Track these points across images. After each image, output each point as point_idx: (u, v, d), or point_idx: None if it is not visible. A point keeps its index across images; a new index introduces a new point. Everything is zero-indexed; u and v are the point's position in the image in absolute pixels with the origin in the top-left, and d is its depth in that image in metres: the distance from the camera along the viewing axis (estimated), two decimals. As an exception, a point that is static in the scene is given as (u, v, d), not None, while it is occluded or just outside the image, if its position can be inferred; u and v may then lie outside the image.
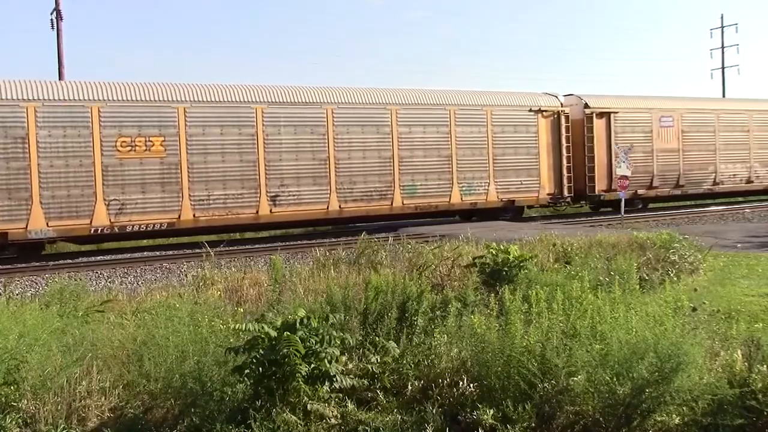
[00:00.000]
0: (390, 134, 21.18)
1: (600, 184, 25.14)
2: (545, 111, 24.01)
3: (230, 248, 17.55)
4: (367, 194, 20.87)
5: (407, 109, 21.56)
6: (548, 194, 24.06)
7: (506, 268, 9.45)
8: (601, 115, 25.17)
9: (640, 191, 26.07)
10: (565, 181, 24.29)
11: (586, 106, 25.01)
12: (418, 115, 21.76)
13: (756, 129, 29.26)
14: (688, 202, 29.09)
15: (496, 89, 25.31)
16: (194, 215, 18.49)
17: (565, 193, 24.38)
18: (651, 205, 27.58)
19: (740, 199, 30.28)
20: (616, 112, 25.45)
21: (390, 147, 21.18)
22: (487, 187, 22.81)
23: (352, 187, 20.65)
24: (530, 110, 23.72)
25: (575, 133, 24.75)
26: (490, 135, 22.87)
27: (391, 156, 21.19)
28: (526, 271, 9.43)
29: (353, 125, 20.69)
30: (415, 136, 21.66)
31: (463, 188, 22.36)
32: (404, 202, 21.37)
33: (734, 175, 28.56)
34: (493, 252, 9.79)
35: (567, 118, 24.41)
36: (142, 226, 17.88)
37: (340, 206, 20.41)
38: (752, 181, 29.18)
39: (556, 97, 24.78)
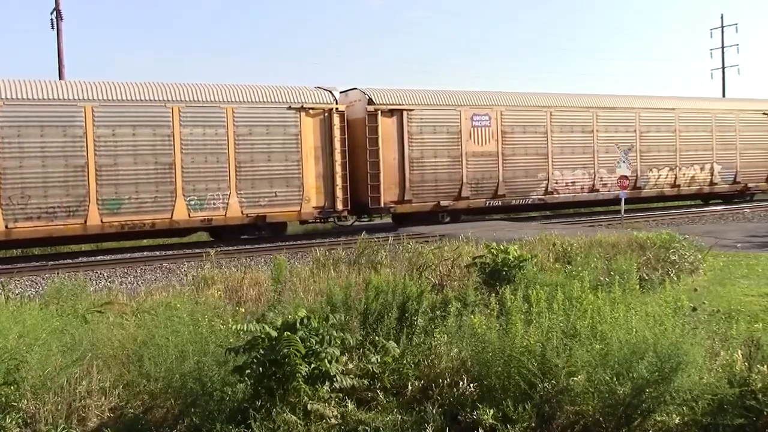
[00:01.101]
0: (83, 137, 17.30)
1: (388, 195, 21.21)
2: (311, 109, 20.17)
3: (230, 248, 17.57)
4: (48, 211, 16.96)
5: (109, 106, 17.67)
6: (315, 208, 20.28)
7: (506, 268, 9.45)
8: (390, 112, 21.26)
9: (445, 202, 22.06)
10: (338, 192, 20.44)
11: (370, 101, 21.16)
12: (127, 113, 17.85)
13: (603, 130, 25.19)
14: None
15: (248, 83, 21.28)
16: None
17: (339, 206, 20.49)
18: (464, 217, 23.39)
19: (584, 210, 27.42)
20: (411, 110, 21.57)
21: (83, 152, 17.30)
22: (227, 201, 18.99)
23: (26, 202, 16.75)
24: (290, 108, 19.91)
25: (357, 134, 21.10)
26: (231, 137, 19.02)
27: (85, 164, 17.33)
28: (525, 271, 9.43)
29: (29, 126, 16.84)
30: (121, 140, 17.76)
31: (192, 202, 18.57)
32: (104, 220, 17.52)
33: (573, 183, 24.44)
34: (494, 252, 9.80)
35: (342, 116, 20.66)
36: None
37: (7, 226, 16.51)
38: (597, 190, 25.08)
39: (330, 92, 20.92)
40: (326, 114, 20.53)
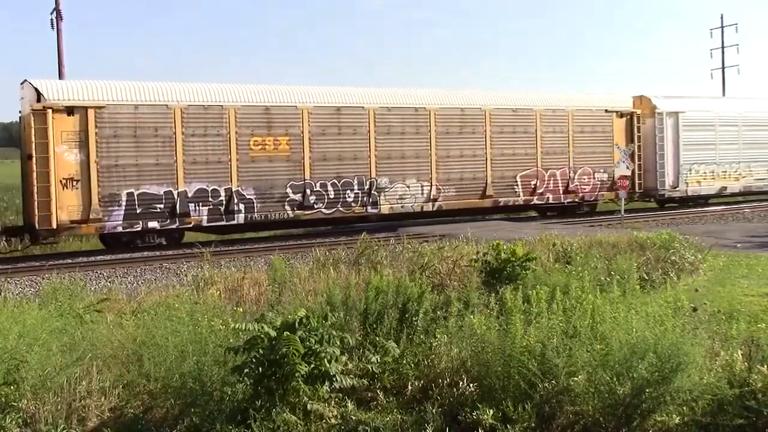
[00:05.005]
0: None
1: None
2: None
3: (230, 248, 17.55)
4: None
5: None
6: None
7: (508, 268, 9.44)
8: None
9: None
10: None
11: None
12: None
13: None
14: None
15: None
16: None
17: None
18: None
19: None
20: None
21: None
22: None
23: None
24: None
25: None
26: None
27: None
28: (527, 270, 9.43)
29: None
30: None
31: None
32: None
33: None
34: (497, 251, 9.77)
35: None
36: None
37: None
38: None
39: None
40: None
